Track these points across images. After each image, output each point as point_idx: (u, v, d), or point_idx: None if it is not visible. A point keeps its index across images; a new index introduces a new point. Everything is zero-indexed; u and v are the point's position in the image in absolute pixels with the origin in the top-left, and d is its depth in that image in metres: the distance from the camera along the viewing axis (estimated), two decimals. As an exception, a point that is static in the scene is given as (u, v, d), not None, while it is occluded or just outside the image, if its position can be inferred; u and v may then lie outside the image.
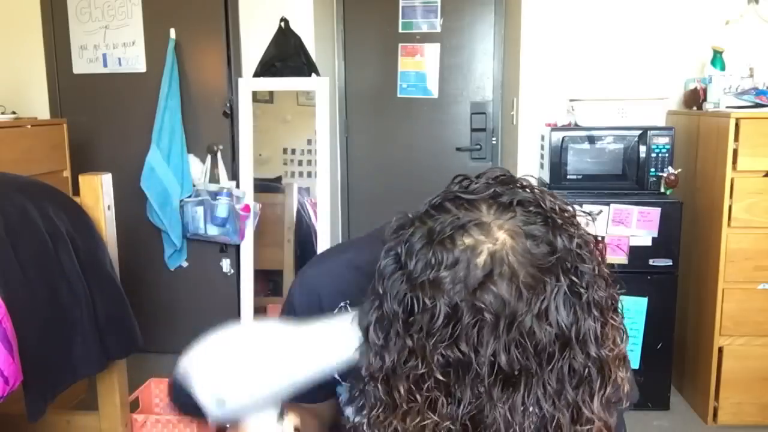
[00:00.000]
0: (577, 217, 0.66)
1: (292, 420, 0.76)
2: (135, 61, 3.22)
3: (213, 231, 3.11)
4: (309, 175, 3.11)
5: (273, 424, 0.74)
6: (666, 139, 2.59)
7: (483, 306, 0.56)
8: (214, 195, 3.10)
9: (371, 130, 3.69)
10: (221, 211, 3.07)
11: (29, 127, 2.67)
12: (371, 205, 3.69)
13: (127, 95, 3.25)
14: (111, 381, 1.93)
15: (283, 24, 3.07)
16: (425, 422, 0.60)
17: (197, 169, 3.20)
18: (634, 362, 2.58)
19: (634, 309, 2.57)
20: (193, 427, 2.17)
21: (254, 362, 0.70)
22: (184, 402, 0.72)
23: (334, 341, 0.71)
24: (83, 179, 1.88)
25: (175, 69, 3.10)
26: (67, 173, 2.80)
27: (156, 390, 2.43)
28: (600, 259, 0.64)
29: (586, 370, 0.59)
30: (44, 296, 1.61)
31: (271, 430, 0.74)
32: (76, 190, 1.89)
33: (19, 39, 3.27)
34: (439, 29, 3.56)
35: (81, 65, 3.26)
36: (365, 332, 0.64)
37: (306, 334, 0.72)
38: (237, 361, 0.70)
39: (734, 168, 2.38)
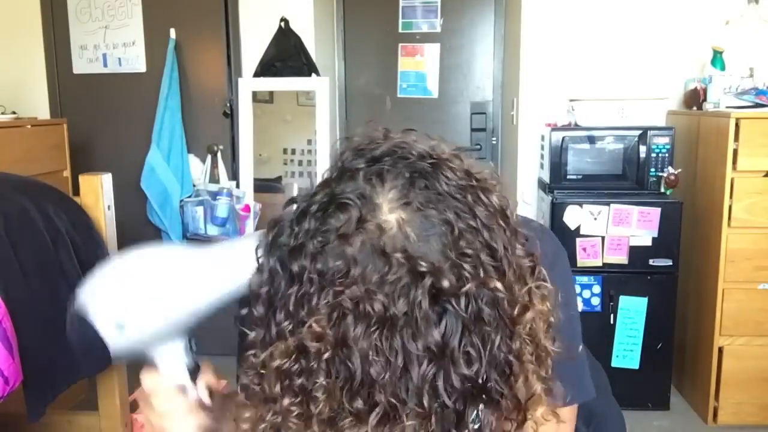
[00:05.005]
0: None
1: (205, 379, 0.73)
2: (135, 61, 3.22)
3: (213, 231, 3.12)
4: (309, 175, 3.11)
5: (180, 355, 0.71)
6: (666, 139, 2.59)
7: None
8: (214, 195, 3.10)
9: (371, 130, 3.68)
10: (221, 211, 3.07)
11: (29, 127, 2.67)
12: (371, 205, 3.68)
13: (127, 95, 3.25)
14: (111, 381, 1.93)
15: (283, 24, 3.07)
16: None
17: (197, 169, 3.20)
18: (634, 362, 2.58)
19: (634, 309, 2.57)
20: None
21: (153, 284, 0.67)
22: (82, 334, 0.68)
23: (233, 264, 0.67)
24: (83, 179, 1.88)
25: (175, 69, 3.10)
26: (67, 173, 2.80)
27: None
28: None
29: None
30: (44, 296, 1.61)
31: (178, 360, 0.71)
32: (76, 190, 1.89)
33: (19, 39, 3.27)
34: (439, 29, 3.56)
35: (81, 65, 3.26)
36: (257, 254, 0.60)
37: (208, 257, 0.69)
38: (135, 283, 0.67)
39: (734, 168, 2.38)
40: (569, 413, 0.83)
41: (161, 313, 0.67)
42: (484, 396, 0.55)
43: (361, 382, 0.53)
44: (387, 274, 0.52)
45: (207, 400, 0.73)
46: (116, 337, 0.66)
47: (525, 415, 0.59)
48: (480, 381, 0.54)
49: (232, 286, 0.67)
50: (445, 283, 0.52)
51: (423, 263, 0.52)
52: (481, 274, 0.54)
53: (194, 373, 0.73)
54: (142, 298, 0.66)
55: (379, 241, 0.53)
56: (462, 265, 0.53)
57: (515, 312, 0.56)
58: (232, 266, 0.67)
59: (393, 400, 0.53)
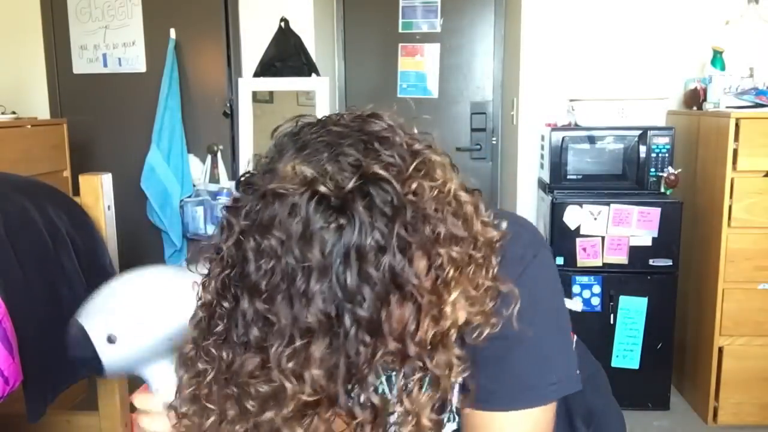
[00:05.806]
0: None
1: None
2: (135, 61, 3.22)
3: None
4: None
5: (170, 374, 0.72)
6: (666, 139, 2.59)
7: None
8: (214, 195, 3.10)
9: (371, 130, 3.68)
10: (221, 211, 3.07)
11: (29, 127, 2.67)
12: (371, 205, 3.68)
13: (127, 95, 3.25)
14: (111, 381, 1.93)
15: (283, 24, 3.07)
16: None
17: (197, 169, 3.20)
18: (634, 362, 2.59)
19: (634, 309, 2.57)
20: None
21: (146, 301, 0.71)
22: (79, 354, 0.71)
23: None
24: (83, 179, 1.88)
25: (175, 69, 3.10)
26: (67, 173, 2.80)
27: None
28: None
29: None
30: (44, 296, 1.60)
31: (168, 379, 0.73)
32: (76, 190, 1.88)
33: (19, 39, 3.27)
34: (439, 29, 3.56)
35: (81, 65, 3.26)
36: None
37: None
38: (129, 300, 0.71)
39: (734, 168, 2.38)
40: (538, 414, 0.73)
41: (152, 329, 0.71)
42: (397, 292, 0.55)
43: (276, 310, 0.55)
44: (277, 209, 0.55)
45: None
46: (108, 351, 0.69)
47: (442, 306, 0.58)
48: (390, 276, 0.54)
49: None
50: (324, 188, 0.54)
51: (296, 184, 0.55)
52: (363, 165, 0.56)
53: None
54: (134, 314, 0.70)
55: (275, 188, 0.56)
56: (342, 168, 0.56)
57: (408, 189, 0.57)
58: None
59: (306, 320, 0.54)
